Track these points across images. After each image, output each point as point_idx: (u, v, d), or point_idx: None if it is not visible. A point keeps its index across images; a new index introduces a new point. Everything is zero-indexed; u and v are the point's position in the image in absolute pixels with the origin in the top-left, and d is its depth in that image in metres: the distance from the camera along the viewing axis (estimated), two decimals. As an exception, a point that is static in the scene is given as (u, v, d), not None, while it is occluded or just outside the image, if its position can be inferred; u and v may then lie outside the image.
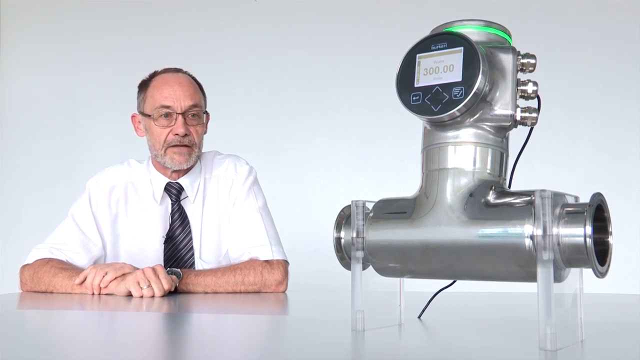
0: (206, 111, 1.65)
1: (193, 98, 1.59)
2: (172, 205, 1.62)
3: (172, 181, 1.63)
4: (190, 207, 1.63)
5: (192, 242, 1.60)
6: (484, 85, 0.64)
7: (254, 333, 0.85)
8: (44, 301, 1.32)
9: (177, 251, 1.59)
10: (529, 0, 2.72)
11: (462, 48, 0.65)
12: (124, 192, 1.64)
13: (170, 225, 1.61)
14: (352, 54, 2.85)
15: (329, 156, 2.86)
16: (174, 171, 1.62)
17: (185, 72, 1.65)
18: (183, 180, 1.63)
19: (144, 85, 1.64)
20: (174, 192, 1.63)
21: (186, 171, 1.64)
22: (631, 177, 2.57)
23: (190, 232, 1.61)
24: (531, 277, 0.60)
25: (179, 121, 1.56)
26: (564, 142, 2.65)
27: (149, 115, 1.59)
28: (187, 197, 1.63)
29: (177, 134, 1.56)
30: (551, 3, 2.71)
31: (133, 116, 1.67)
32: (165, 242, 1.60)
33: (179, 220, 1.61)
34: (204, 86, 1.67)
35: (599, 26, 2.66)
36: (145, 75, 1.66)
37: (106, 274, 1.38)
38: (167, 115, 1.57)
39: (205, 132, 1.65)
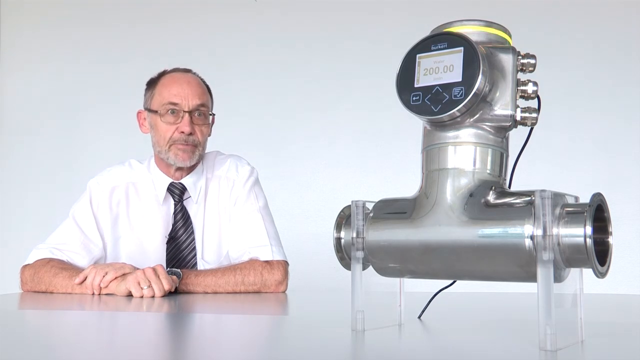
0: (212, 113, 1.65)
1: (201, 98, 1.60)
2: (175, 205, 1.63)
3: (175, 181, 1.63)
4: (193, 207, 1.63)
5: (194, 243, 1.61)
6: (484, 85, 0.64)
7: (254, 333, 0.85)
8: (44, 301, 1.32)
9: (179, 251, 1.60)
10: (529, 0, 2.72)
11: (462, 48, 0.65)
12: (125, 193, 1.64)
13: (173, 225, 1.61)
14: (352, 54, 2.85)
15: (329, 156, 2.86)
16: (177, 169, 1.62)
17: (195, 73, 1.67)
18: (186, 180, 1.63)
19: (152, 83, 1.65)
20: (177, 192, 1.63)
21: (189, 171, 1.64)
22: (631, 177, 2.57)
23: (192, 232, 1.61)
24: (531, 277, 0.60)
25: (185, 119, 1.57)
26: (564, 142, 2.64)
27: (156, 112, 1.59)
28: (190, 197, 1.63)
29: (182, 132, 1.57)
30: (551, 3, 2.71)
31: (139, 112, 1.68)
32: (168, 243, 1.60)
33: (182, 220, 1.61)
34: (204, 86, 1.67)
35: (598, 27, 2.66)
36: (146, 74, 1.67)
37: (106, 273, 1.38)
38: (173, 112, 1.58)
39: (209, 134, 1.66)
